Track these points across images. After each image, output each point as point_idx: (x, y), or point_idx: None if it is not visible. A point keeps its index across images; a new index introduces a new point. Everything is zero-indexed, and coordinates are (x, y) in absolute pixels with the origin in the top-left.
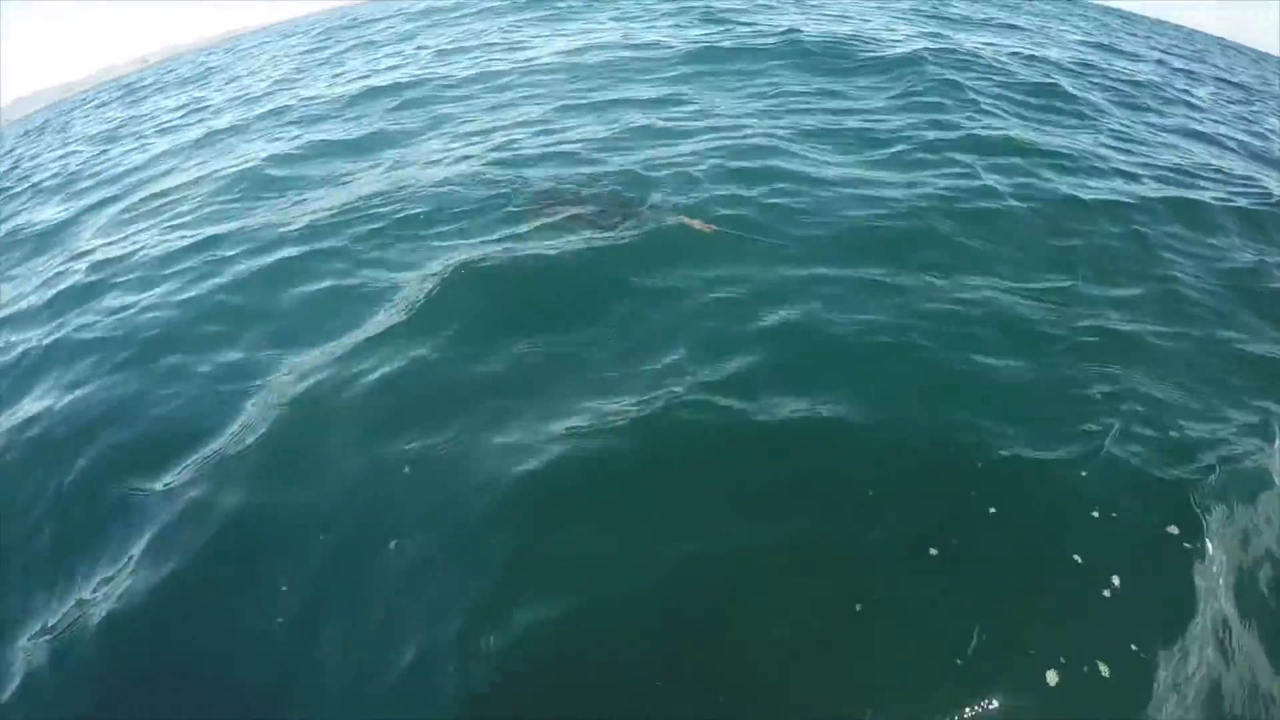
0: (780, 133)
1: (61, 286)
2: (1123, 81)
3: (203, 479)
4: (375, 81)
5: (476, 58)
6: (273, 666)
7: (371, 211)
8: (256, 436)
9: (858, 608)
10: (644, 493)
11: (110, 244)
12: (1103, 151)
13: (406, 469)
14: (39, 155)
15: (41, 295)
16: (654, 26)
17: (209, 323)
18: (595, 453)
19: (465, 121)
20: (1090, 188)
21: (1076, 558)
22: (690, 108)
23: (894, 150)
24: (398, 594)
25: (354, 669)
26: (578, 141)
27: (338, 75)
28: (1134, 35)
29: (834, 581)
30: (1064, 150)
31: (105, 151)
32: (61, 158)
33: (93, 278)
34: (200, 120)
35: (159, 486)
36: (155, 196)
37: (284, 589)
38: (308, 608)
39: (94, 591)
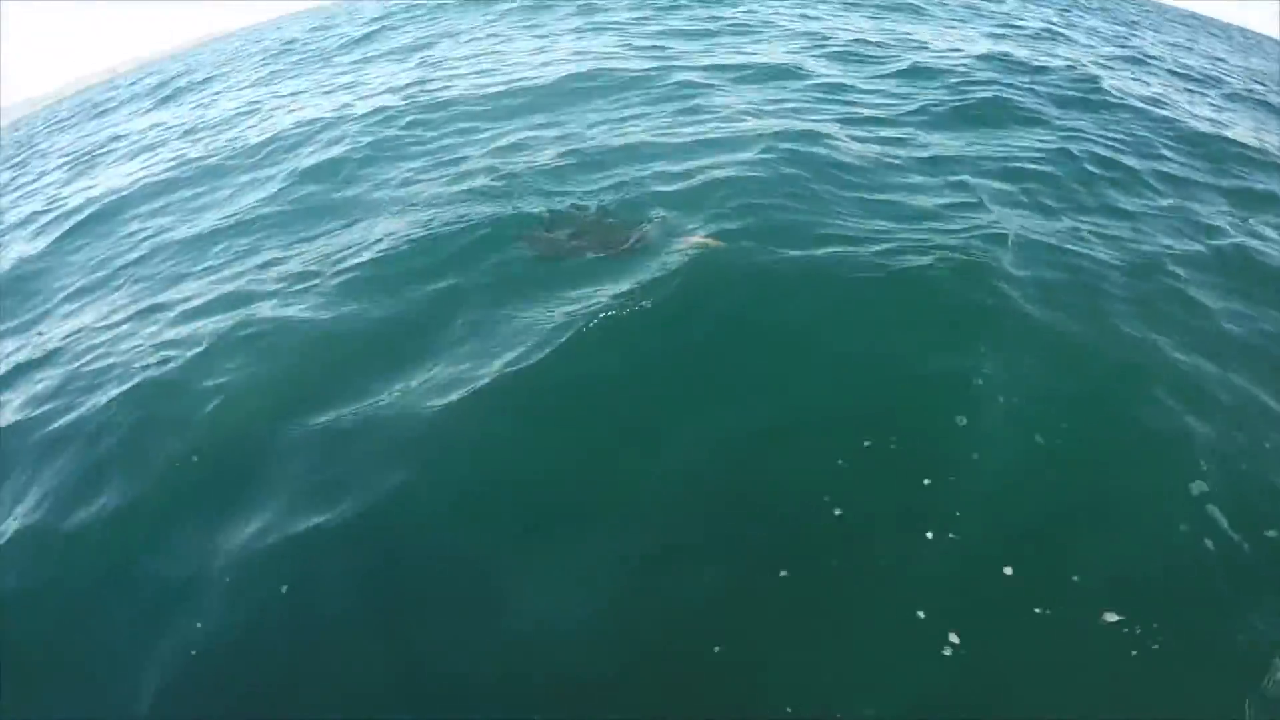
0: (796, 144)
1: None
2: None
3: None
4: (349, 98)
5: (459, 69)
6: None
7: (352, 255)
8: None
9: None
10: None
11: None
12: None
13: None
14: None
15: None
16: (646, 30)
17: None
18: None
19: (452, 143)
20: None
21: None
22: (696, 117)
23: (914, 163)
24: None
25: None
26: (577, 159)
27: (312, 92)
28: None
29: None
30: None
31: (69, 183)
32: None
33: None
34: (161, 153)
35: None
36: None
37: None
38: None
39: None
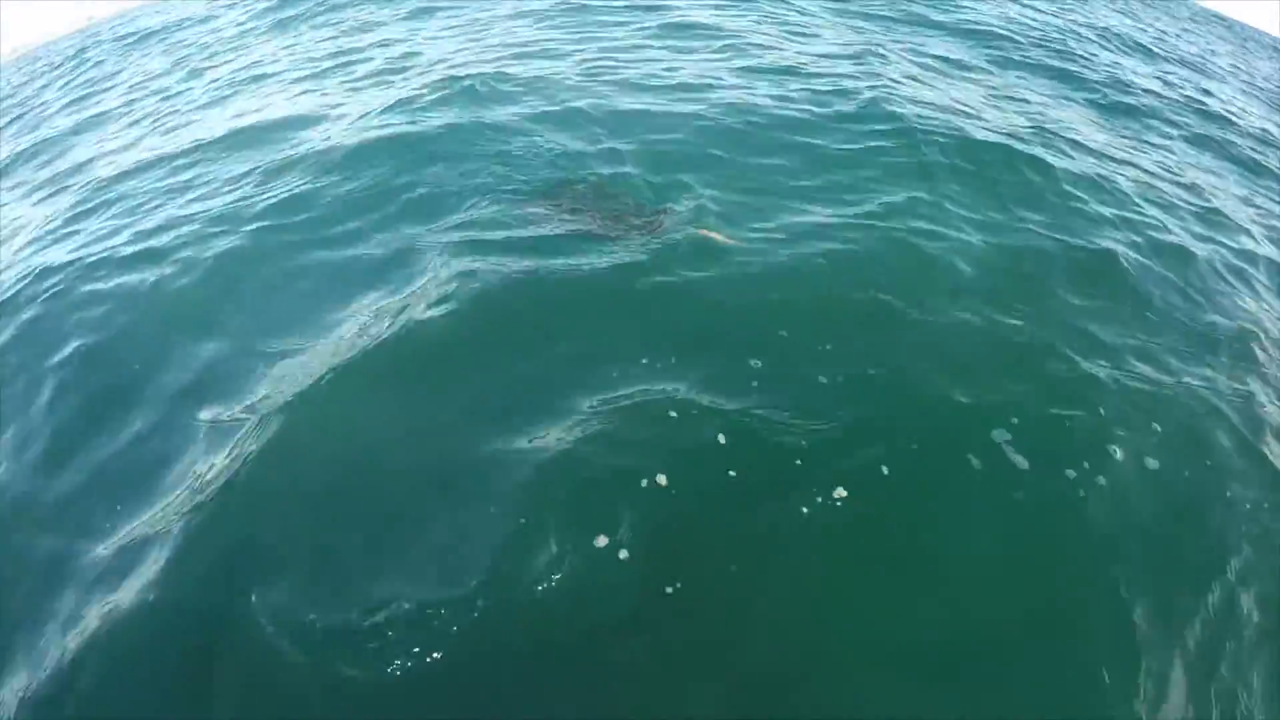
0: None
1: None
2: None
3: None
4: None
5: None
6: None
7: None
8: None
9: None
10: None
11: None
12: None
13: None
14: None
15: None
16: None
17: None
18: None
19: (469, 115)
20: None
21: None
22: (725, 100)
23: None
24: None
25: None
26: (590, 138)
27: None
28: None
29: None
30: None
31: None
32: None
33: None
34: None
35: None
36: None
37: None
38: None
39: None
